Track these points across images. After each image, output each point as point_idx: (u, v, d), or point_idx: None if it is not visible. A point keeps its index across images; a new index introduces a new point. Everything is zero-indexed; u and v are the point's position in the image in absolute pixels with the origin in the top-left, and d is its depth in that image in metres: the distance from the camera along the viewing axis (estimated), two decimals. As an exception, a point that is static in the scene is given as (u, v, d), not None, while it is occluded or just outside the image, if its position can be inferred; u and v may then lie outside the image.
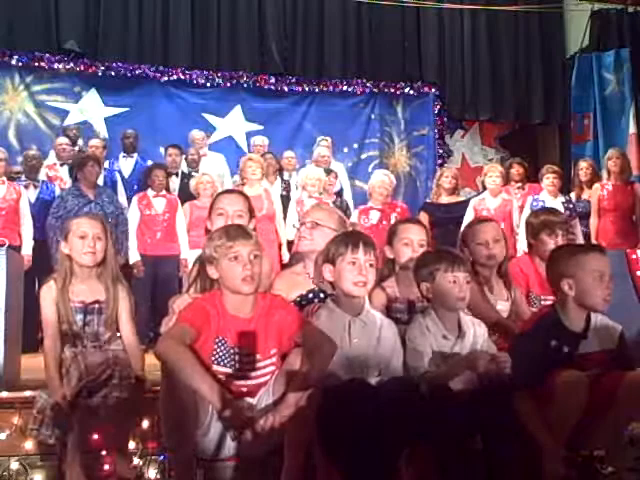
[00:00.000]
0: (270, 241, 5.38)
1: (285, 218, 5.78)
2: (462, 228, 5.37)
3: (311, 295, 2.78)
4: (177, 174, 6.37)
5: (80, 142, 6.81)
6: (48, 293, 2.81)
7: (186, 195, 6.01)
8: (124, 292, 2.89)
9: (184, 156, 6.66)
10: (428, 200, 6.34)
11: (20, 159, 6.81)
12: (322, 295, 2.73)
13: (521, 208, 5.80)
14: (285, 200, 5.97)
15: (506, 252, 3.12)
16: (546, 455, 2.32)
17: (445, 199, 5.98)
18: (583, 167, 6.19)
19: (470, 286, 2.57)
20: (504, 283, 3.11)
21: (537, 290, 3.20)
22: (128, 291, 2.93)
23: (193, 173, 6.53)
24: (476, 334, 2.56)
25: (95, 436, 2.53)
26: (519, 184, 6.27)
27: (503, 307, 3.04)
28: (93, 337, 2.79)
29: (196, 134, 6.86)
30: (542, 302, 3.15)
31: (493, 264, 3.06)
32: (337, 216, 3.02)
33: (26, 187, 5.80)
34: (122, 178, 6.30)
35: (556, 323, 2.50)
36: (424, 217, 5.87)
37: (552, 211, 3.70)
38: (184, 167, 6.65)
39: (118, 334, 2.88)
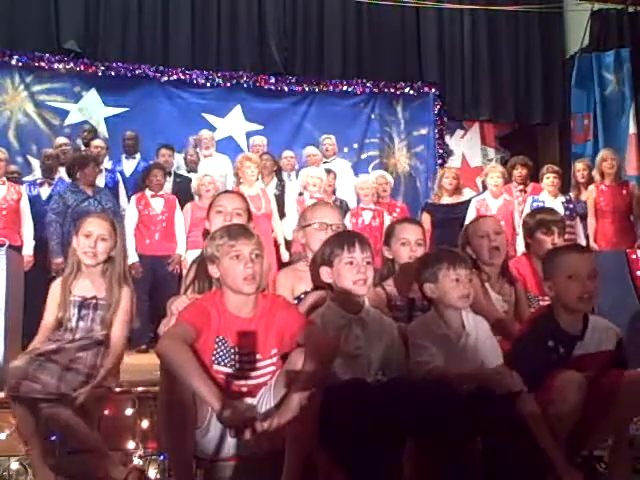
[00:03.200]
0: (269, 240, 5.38)
1: (282, 218, 5.78)
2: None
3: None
4: (170, 173, 6.37)
5: (79, 142, 6.86)
6: (53, 293, 2.89)
7: (179, 195, 5.98)
8: (127, 294, 2.90)
9: (183, 156, 6.69)
10: (429, 200, 6.34)
11: (20, 159, 6.84)
12: None
13: (522, 209, 5.80)
14: (279, 200, 5.96)
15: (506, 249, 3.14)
16: (556, 465, 2.33)
17: (447, 199, 5.99)
18: (580, 168, 6.20)
19: (473, 284, 2.57)
20: (506, 280, 3.11)
21: (535, 290, 3.19)
22: (132, 294, 2.94)
23: (189, 174, 6.56)
24: (480, 333, 2.55)
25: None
26: (521, 185, 6.26)
27: (504, 304, 3.05)
28: (85, 332, 2.83)
29: (205, 134, 6.88)
30: (540, 302, 3.14)
31: (497, 257, 3.06)
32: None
33: (40, 185, 5.88)
34: (124, 179, 6.32)
35: (551, 323, 2.51)
36: (426, 218, 5.88)
37: (548, 210, 3.71)
38: (182, 168, 6.68)
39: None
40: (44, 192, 5.85)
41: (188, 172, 6.66)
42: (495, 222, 3.21)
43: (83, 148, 6.55)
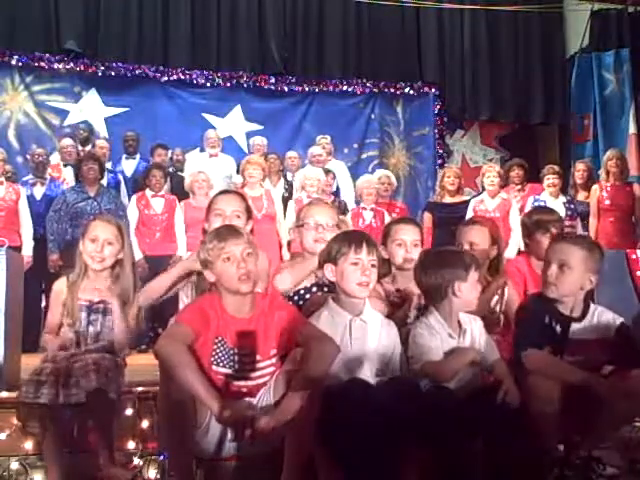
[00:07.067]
0: (271, 241, 5.38)
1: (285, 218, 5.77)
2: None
3: (315, 289, 2.76)
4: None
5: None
6: (58, 292, 2.84)
7: (175, 194, 5.96)
8: (137, 299, 2.84)
9: (169, 156, 6.70)
10: (431, 200, 6.34)
11: (20, 159, 6.84)
12: (326, 289, 2.70)
13: (522, 209, 5.79)
14: (287, 201, 5.95)
15: (499, 250, 3.14)
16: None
17: (449, 199, 5.99)
18: (580, 169, 6.21)
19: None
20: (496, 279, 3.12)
21: (535, 290, 3.19)
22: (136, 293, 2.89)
23: (178, 173, 6.56)
24: (474, 331, 2.56)
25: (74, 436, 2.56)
26: (519, 186, 6.26)
27: (497, 304, 3.05)
28: (94, 338, 2.80)
29: (210, 133, 6.89)
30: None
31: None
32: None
33: (33, 185, 5.85)
34: (125, 179, 6.32)
35: (545, 303, 2.60)
36: (428, 217, 5.90)
37: (546, 210, 3.71)
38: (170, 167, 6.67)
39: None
40: (37, 192, 5.81)
41: (174, 172, 6.61)
42: (474, 231, 3.14)
43: (80, 148, 6.54)
